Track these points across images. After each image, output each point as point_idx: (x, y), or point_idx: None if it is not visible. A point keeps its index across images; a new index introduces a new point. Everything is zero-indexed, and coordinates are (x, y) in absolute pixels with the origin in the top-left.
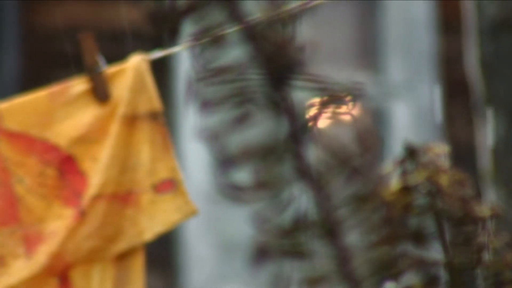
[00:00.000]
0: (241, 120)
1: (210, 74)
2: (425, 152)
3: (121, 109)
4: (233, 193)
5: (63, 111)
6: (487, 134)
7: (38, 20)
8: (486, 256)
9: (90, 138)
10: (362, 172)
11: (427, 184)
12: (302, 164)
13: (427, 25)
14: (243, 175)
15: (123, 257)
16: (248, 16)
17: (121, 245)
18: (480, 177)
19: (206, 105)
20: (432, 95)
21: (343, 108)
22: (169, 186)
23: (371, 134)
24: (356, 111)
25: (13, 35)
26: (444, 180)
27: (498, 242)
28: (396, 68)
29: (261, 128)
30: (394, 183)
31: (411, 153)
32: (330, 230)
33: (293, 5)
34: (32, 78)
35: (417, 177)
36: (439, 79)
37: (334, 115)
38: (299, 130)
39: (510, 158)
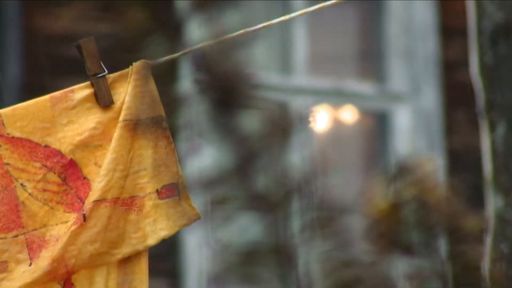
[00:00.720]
0: (192, 151)
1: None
2: (417, 167)
3: (124, 114)
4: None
5: (65, 116)
6: (490, 140)
7: (40, 25)
8: (482, 269)
9: (92, 143)
10: (313, 195)
11: (418, 200)
12: (254, 190)
13: (430, 31)
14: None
15: (127, 262)
16: (196, 44)
17: (124, 250)
18: (483, 184)
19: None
20: (435, 101)
21: (296, 130)
22: (172, 191)
23: (322, 157)
24: (305, 134)
25: (15, 41)
26: (434, 197)
27: (494, 254)
28: (399, 74)
29: (214, 156)
30: (384, 199)
31: (403, 169)
32: (286, 254)
33: (239, 31)
34: (34, 83)
35: (408, 193)
36: (442, 85)
37: (286, 138)
38: (250, 156)
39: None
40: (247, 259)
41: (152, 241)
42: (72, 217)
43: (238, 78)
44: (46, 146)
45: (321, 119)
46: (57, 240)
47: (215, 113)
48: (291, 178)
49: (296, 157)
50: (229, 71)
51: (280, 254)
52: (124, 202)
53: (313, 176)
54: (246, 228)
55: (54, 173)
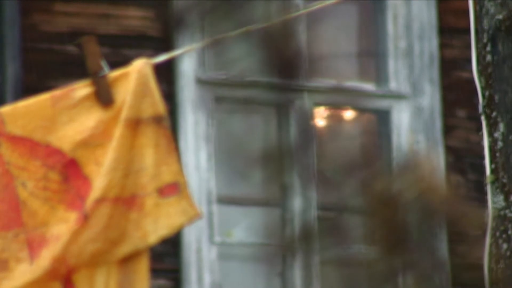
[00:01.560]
0: (251, 130)
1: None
2: (421, 165)
3: (125, 113)
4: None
5: (66, 115)
6: (490, 139)
7: (40, 23)
8: (483, 267)
9: (93, 142)
10: (366, 182)
11: (421, 198)
12: (308, 171)
13: (430, 30)
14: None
15: (128, 260)
16: (257, 22)
17: (125, 249)
18: (483, 183)
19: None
20: (435, 100)
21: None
22: (173, 189)
23: (372, 147)
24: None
25: (15, 39)
26: (437, 195)
27: (495, 252)
28: (399, 73)
29: (270, 134)
30: (387, 197)
31: (406, 167)
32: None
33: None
34: (34, 82)
35: (411, 192)
36: (442, 84)
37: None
38: (306, 137)
39: None
40: (251, 257)
41: (152, 240)
42: (73, 216)
43: (297, 58)
44: (47, 144)
45: (322, 118)
46: (57, 239)
47: (275, 91)
48: (294, 176)
49: (300, 155)
50: (291, 50)
51: (282, 253)
52: (125, 201)
53: (314, 173)
54: (249, 227)
55: (55, 171)
